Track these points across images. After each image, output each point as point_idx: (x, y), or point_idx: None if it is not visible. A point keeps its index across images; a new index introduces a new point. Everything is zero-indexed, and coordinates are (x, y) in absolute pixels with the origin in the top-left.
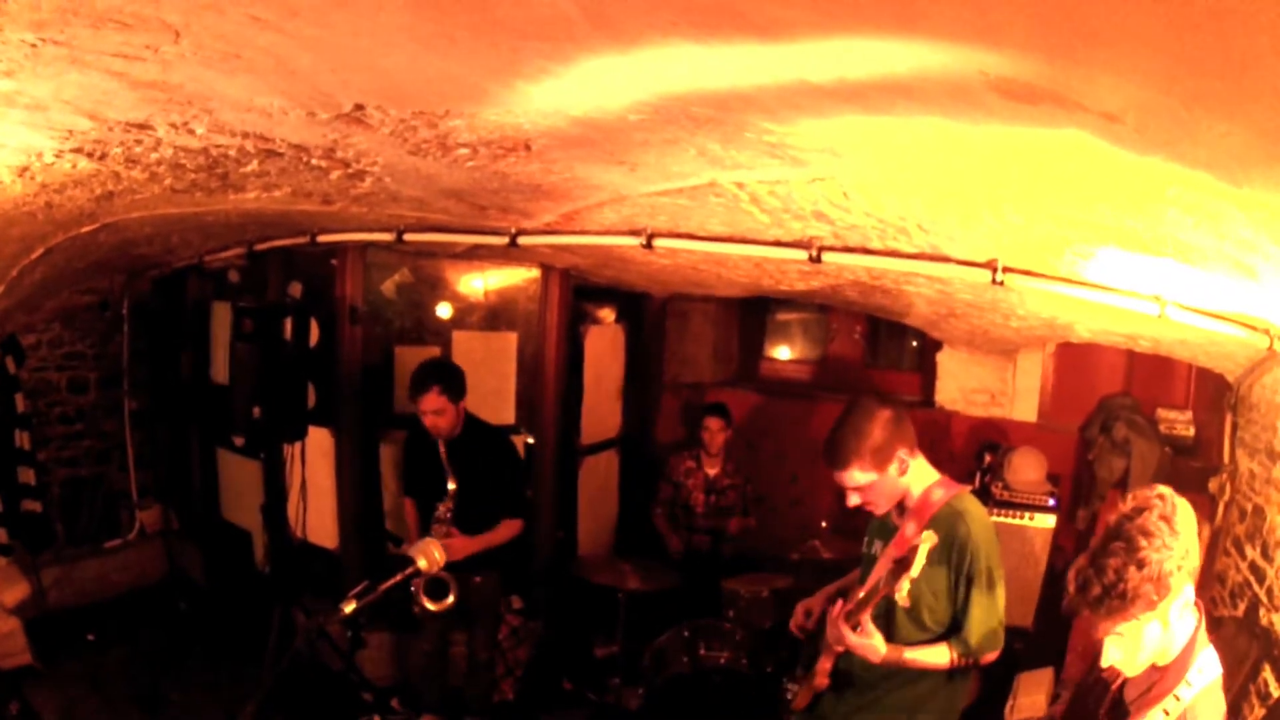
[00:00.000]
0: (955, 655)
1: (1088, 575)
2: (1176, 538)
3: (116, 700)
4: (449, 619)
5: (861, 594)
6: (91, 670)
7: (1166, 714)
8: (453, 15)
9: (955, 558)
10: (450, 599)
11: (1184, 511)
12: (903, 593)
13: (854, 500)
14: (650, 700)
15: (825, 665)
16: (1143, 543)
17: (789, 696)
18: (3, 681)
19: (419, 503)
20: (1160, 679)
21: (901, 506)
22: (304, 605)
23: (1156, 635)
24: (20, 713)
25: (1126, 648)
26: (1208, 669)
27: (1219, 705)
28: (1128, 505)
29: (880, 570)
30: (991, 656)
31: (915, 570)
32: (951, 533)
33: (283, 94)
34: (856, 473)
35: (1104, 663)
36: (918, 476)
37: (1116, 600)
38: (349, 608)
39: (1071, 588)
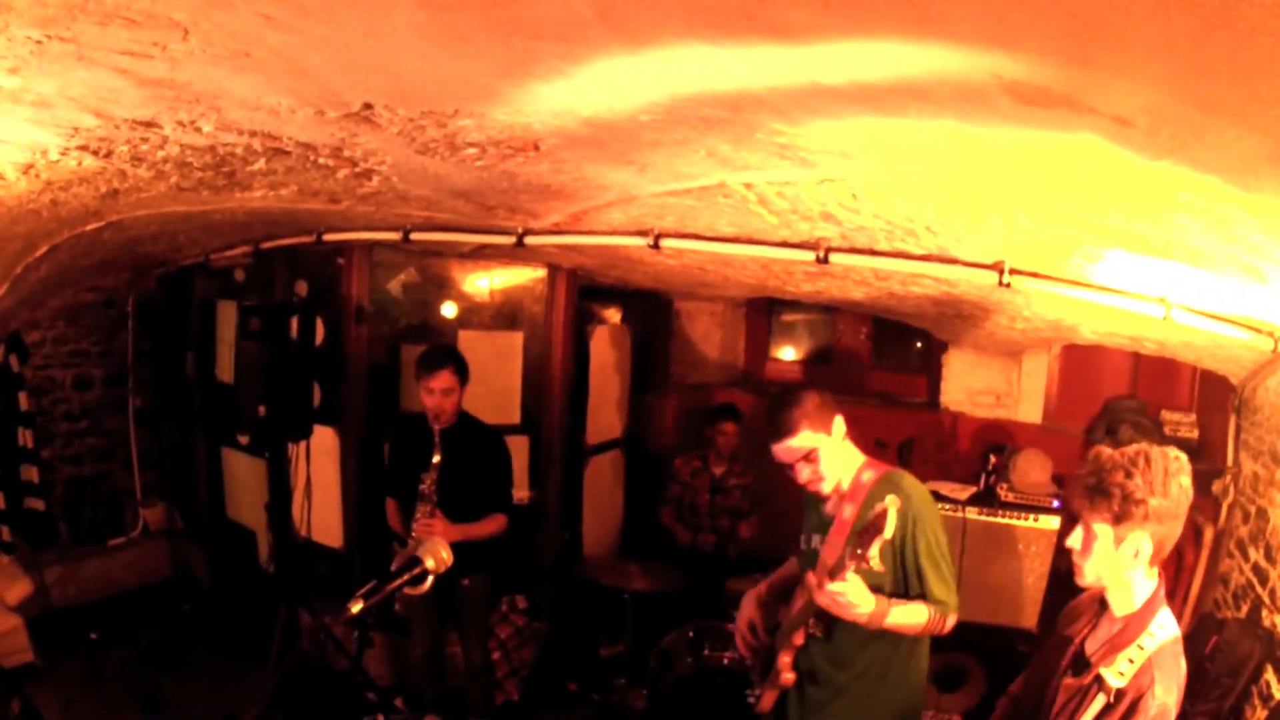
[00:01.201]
0: (932, 611)
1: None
2: (1165, 491)
3: (118, 699)
4: (439, 621)
5: (832, 564)
6: (93, 669)
7: (1131, 662)
8: (466, 15)
9: (900, 528)
10: (426, 584)
11: (1179, 484)
12: (875, 557)
13: (805, 474)
14: (655, 701)
15: (786, 660)
16: (1142, 465)
17: (750, 701)
18: (4, 679)
19: (402, 503)
20: (1123, 630)
21: (836, 496)
22: (309, 604)
23: (1107, 552)
24: (21, 711)
25: (1080, 543)
26: (1167, 625)
27: (1180, 661)
28: (1158, 451)
29: (836, 546)
30: (950, 624)
31: (888, 531)
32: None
33: (291, 93)
34: (807, 433)
35: (1068, 541)
36: (848, 461)
37: (1092, 482)
38: (356, 608)
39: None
